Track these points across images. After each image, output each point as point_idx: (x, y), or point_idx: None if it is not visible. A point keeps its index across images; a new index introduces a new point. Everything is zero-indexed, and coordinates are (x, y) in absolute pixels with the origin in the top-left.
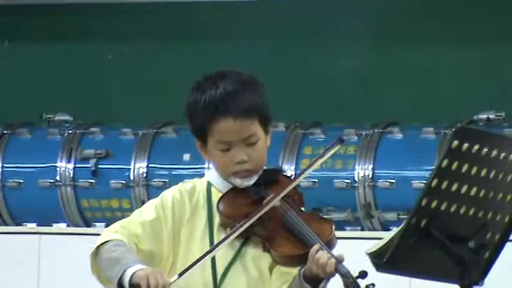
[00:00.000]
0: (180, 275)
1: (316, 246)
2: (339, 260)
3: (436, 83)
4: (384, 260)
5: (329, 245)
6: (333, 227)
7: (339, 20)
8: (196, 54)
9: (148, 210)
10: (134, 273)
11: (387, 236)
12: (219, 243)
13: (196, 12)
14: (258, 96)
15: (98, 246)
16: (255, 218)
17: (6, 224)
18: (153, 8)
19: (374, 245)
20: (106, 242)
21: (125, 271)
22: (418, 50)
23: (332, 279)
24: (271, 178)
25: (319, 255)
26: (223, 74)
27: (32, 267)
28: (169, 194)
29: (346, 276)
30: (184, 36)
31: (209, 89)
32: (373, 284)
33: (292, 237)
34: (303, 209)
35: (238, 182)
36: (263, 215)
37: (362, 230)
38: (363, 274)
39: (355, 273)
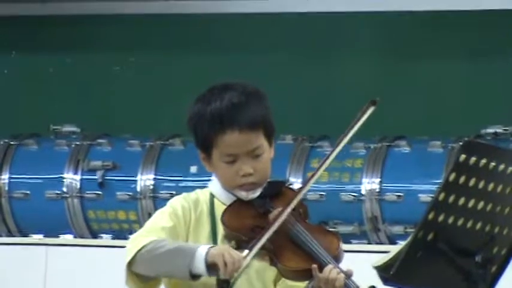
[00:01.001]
0: (250, 248)
1: (330, 266)
2: (348, 275)
3: (443, 97)
4: (391, 274)
5: (336, 258)
6: (340, 240)
7: (347, 33)
8: (206, 66)
9: (163, 219)
10: (207, 252)
11: (394, 249)
12: (259, 240)
13: (208, 24)
14: (262, 108)
15: (135, 254)
16: (278, 225)
17: (13, 235)
18: (161, 19)
19: (381, 259)
20: (143, 247)
21: (194, 254)
22: (426, 63)
23: None
24: (276, 190)
25: (328, 269)
26: (228, 85)
27: (38, 278)
28: (177, 203)
29: None
30: (194, 47)
31: (214, 101)
32: None
33: (299, 250)
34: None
35: (244, 194)
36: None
37: (369, 243)
38: None
39: None
